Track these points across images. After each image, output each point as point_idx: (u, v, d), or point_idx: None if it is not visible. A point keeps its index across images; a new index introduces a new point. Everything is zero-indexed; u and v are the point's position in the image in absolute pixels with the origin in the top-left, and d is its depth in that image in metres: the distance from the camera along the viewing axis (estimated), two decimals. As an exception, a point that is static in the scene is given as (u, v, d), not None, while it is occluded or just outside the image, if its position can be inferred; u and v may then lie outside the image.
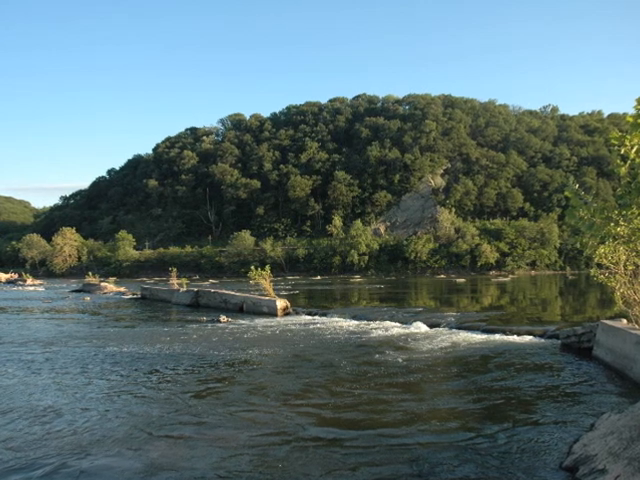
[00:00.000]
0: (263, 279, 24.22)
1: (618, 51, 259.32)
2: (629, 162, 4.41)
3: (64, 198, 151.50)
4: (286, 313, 21.89)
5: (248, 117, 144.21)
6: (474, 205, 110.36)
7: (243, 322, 19.15)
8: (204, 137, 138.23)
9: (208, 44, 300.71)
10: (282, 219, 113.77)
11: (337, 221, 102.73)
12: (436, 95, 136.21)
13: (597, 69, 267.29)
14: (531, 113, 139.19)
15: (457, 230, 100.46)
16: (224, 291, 27.55)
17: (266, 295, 24.01)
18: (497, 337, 14.37)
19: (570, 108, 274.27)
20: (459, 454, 5.87)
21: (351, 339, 14.56)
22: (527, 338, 14.05)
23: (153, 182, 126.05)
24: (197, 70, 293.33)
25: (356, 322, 18.55)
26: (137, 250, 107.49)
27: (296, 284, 54.57)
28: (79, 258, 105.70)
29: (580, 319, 18.32)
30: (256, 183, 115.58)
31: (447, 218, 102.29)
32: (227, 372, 10.47)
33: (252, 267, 24.91)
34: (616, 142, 4.49)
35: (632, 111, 4.30)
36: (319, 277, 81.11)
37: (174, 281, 33.91)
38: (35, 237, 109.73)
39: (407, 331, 16.01)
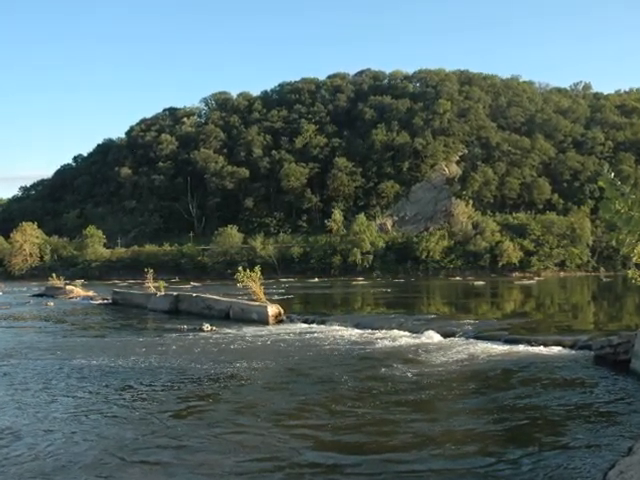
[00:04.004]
0: (252, 281, 24.20)
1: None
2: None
3: (24, 189, 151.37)
4: (279, 321, 21.90)
5: (235, 96, 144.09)
6: (494, 197, 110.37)
7: (229, 331, 19.17)
8: (185, 119, 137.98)
9: (188, 11, 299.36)
10: (274, 213, 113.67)
11: (337, 215, 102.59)
12: (451, 71, 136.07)
13: (635, 40, 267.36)
14: (560, 91, 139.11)
15: (475, 225, 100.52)
16: (208, 295, 27.56)
17: (256, 300, 24.01)
18: (521, 348, 14.41)
19: (605, 86, 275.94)
20: (477, 482, 5.87)
21: (353, 350, 14.58)
22: (555, 349, 14.08)
23: (126, 170, 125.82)
24: (176, 41, 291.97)
25: (359, 331, 18.57)
26: (108, 248, 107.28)
27: (290, 287, 54.65)
28: (41, 257, 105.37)
29: (616, 327, 18.37)
30: (244, 171, 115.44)
31: (463, 212, 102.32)
32: (211, 388, 10.47)
33: (240, 268, 24.89)
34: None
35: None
36: (317, 279, 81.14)
37: (150, 284, 33.88)
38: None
39: (417, 341, 16.04)
